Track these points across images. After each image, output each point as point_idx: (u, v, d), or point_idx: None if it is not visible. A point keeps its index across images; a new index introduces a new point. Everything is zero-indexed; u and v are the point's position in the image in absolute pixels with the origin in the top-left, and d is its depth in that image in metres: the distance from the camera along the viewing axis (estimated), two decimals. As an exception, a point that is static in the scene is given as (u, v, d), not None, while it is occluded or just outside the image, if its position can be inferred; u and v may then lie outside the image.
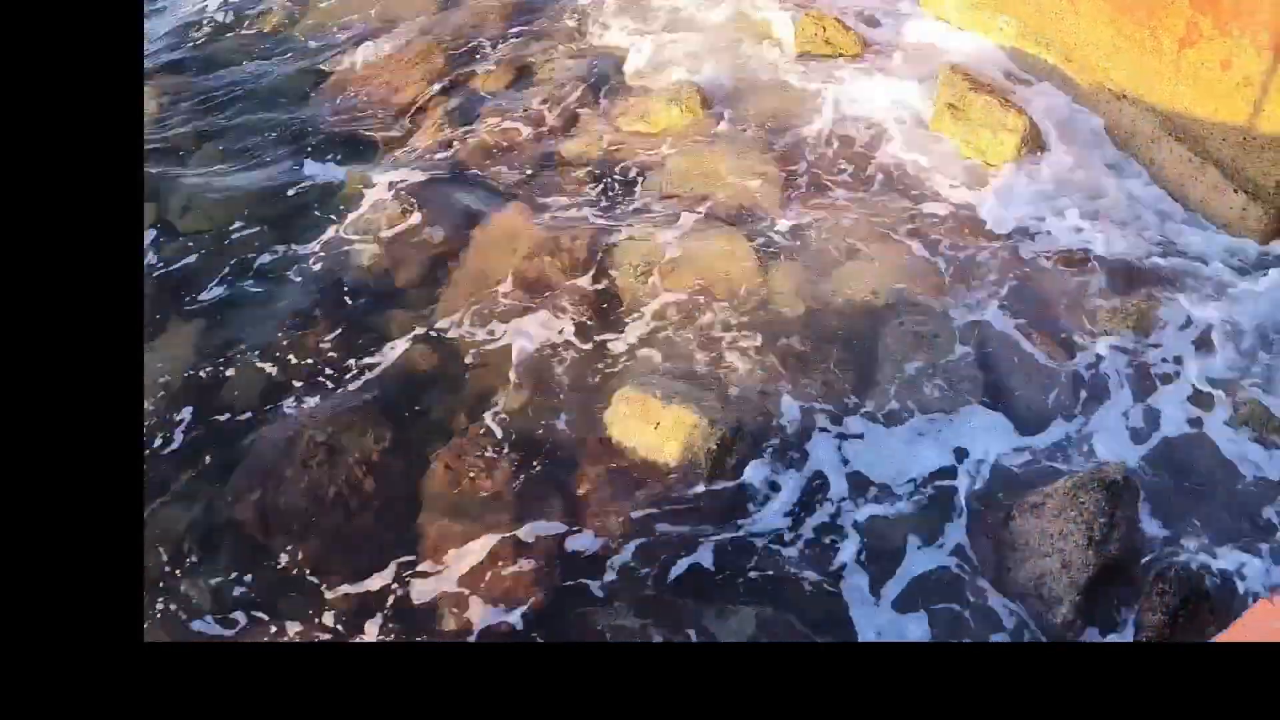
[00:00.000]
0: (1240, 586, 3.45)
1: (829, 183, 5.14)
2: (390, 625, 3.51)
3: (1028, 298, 4.47)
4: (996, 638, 3.33)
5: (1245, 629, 1.87)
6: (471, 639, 3.44)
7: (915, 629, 3.41)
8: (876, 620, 3.44)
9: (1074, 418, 3.99)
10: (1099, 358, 4.18)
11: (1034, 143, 5.05)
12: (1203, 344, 4.19)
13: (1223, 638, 1.89)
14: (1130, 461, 3.78)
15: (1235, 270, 4.48)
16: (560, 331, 4.47)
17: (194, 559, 3.75)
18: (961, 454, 3.90)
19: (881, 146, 5.26)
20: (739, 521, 3.74)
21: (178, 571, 3.71)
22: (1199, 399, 4.00)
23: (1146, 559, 3.47)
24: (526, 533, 3.73)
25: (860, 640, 3.34)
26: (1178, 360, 4.15)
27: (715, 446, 3.79)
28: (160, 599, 3.63)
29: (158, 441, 4.17)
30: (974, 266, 4.62)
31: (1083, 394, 4.07)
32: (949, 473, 3.85)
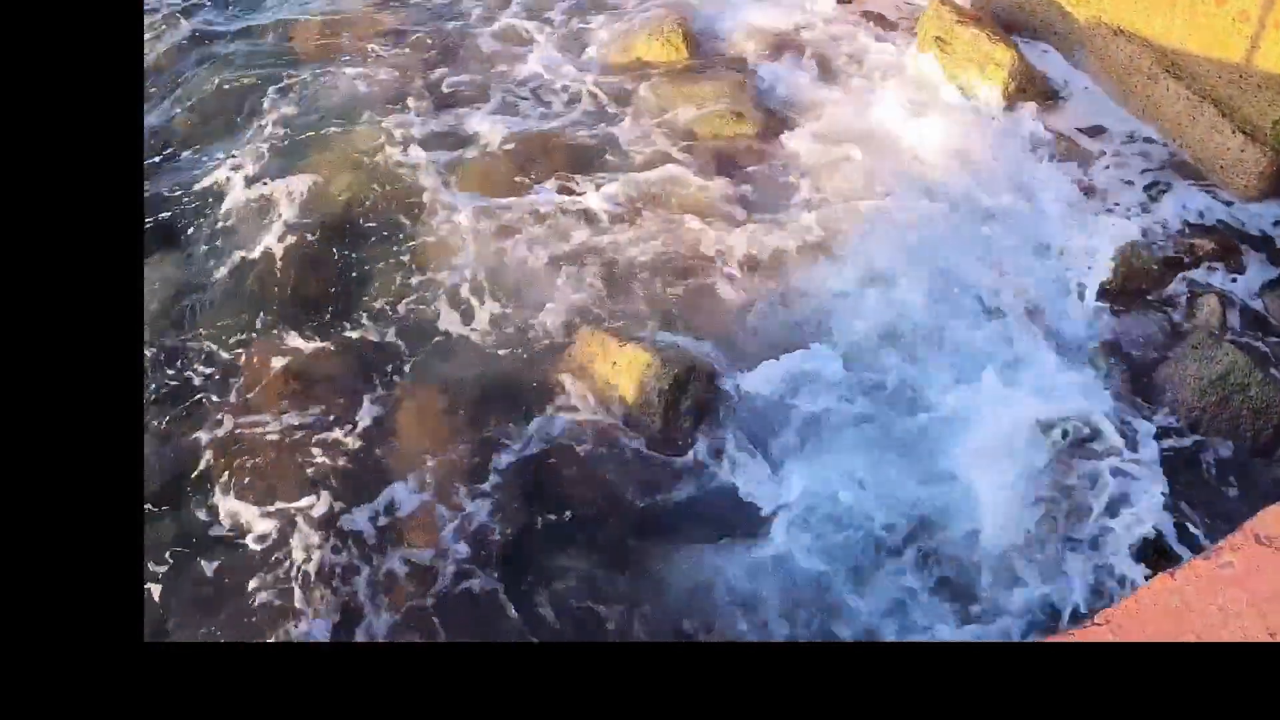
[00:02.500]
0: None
1: (811, 122, 4.98)
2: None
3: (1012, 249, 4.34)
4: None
5: (1139, 604, 1.79)
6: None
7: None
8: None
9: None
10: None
11: (1025, 80, 4.83)
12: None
13: (1115, 611, 1.80)
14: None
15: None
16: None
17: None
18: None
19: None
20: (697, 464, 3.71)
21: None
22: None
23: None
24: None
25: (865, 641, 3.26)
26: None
27: (668, 387, 3.72)
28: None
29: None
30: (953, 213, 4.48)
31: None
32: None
